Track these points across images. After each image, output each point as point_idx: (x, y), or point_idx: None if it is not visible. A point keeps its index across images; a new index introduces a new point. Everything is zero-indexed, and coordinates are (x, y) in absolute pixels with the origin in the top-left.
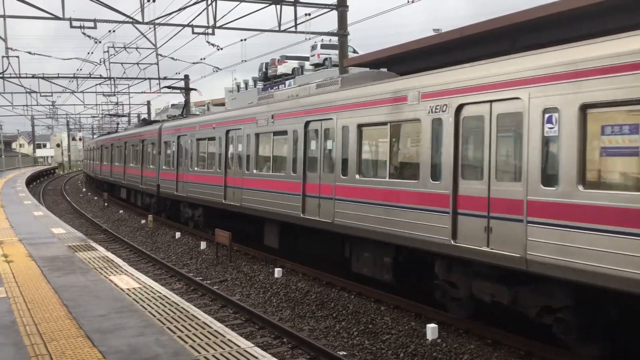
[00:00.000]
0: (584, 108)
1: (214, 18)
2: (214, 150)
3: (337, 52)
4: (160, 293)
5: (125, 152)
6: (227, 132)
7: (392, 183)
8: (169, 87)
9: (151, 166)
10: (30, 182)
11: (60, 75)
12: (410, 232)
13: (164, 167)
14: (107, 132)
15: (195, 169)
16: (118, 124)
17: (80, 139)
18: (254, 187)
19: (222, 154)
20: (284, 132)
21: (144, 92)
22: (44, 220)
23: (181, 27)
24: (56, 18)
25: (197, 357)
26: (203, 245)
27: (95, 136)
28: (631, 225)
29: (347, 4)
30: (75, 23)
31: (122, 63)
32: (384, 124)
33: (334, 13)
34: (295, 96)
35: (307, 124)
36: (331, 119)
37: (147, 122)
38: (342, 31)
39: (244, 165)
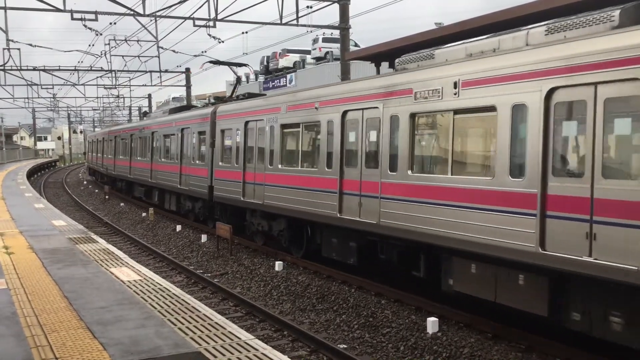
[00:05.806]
0: None
1: (215, 11)
2: None
3: (338, 45)
4: (161, 285)
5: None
6: None
7: None
8: (216, 63)
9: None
10: (32, 174)
11: (61, 68)
12: None
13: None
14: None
15: None
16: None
17: (81, 132)
18: None
19: None
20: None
21: (145, 85)
22: (44, 212)
23: (182, 20)
24: (57, 10)
25: (197, 349)
26: (204, 238)
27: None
28: None
29: None
30: (76, 15)
31: (123, 56)
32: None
33: (336, 6)
34: None
35: None
36: None
37: None
38: (343, 24)
39: None
